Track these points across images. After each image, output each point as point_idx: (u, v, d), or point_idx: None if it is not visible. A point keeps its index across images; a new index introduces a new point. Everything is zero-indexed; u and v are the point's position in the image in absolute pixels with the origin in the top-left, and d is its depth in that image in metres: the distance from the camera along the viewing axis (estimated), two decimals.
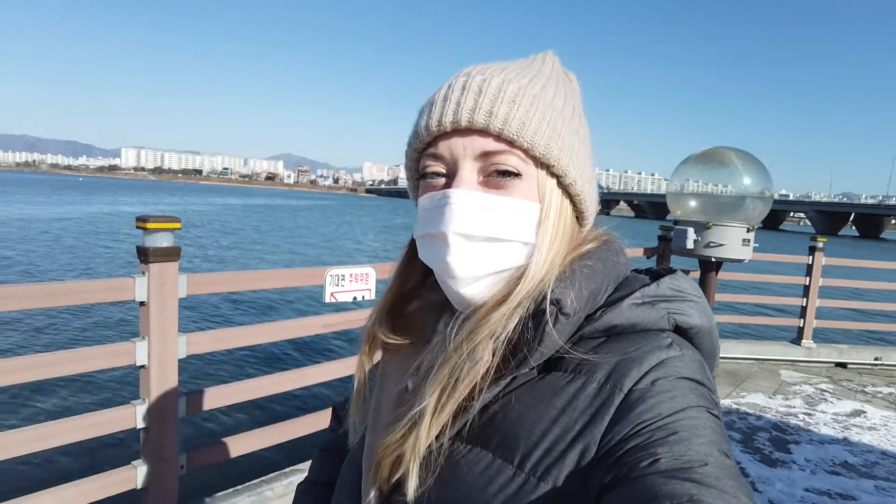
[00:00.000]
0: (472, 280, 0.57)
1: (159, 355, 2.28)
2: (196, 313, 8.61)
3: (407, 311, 0.68)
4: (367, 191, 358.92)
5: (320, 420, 3.04)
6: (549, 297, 0.54)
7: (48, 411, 4.97)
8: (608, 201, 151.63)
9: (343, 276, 3.03)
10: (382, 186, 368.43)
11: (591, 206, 0.63)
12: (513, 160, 0.56)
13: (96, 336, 7.43)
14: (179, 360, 2.36)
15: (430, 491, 0.55)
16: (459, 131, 0.57)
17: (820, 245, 6.45)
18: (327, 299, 2.95)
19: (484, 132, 0.56)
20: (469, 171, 0.57)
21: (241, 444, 2.69)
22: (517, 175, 0.57)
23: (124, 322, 8.14)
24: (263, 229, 28.87)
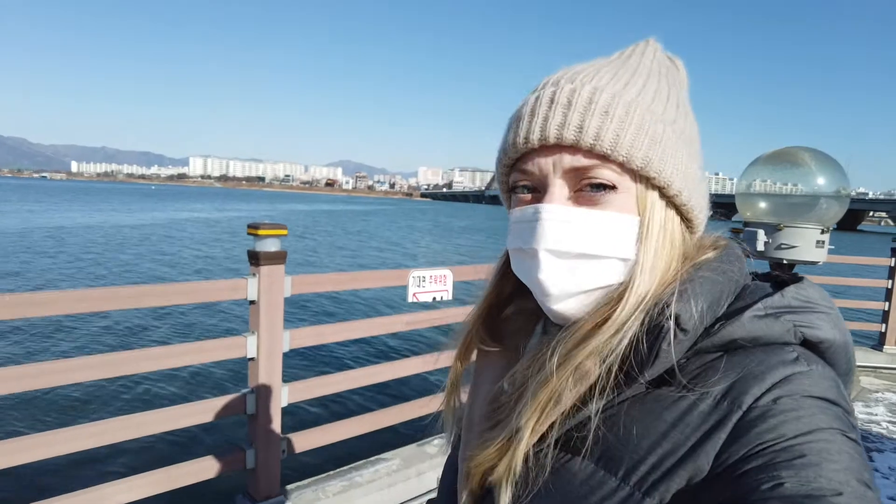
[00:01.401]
0: (564, 297, 0.55)
1: (267, 348, 2.54)
2: (297, 309, 9.29)
3: (502, 317, 0.68)
4: (423, 195, 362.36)
5: (403, 412, 3.25)
6: (667, 312, 0.51)
7: (170, 396, 5.57)
8: None
9: (424, 277, 3.23)
10: (437, 191, 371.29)
11: (701, 213, 0.58)
12: (607, 174, 0.53)
13: (201, 331, 8.19)
14: (284, 353, 2.61)
15: (526, 500, 0.54)
16: (548, 147, 0.54)
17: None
18: (410, 299, 3.16)
19: (574, 148, 0.53)
20: (559, 187, 0.55)
21: (333, 432, 2.92)
22: (612, 188, 0.53)
23: (226, 318, 8.90)
24: (335, 233, 30.31)
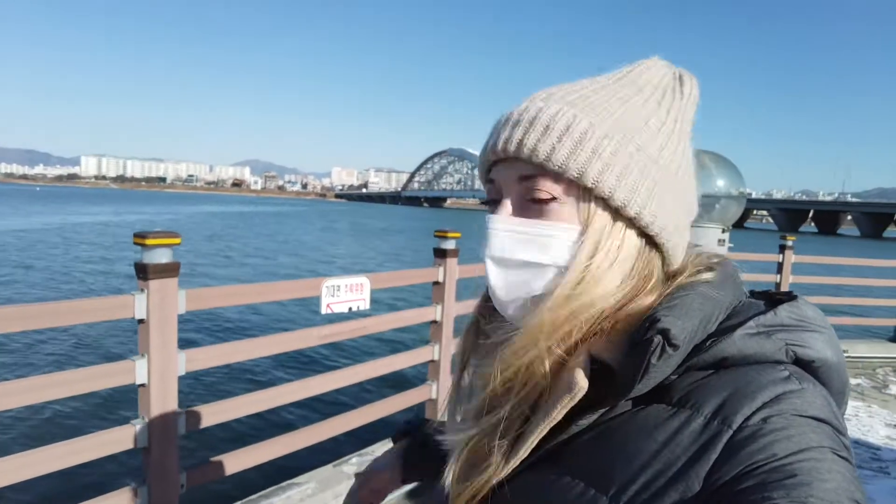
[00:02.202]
0: (510, 303, 0.58)
1: (159, 373, 2.25)
2: (194, 328, 8.48)
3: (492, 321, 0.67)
4: (337, 196, 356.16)
5: (318, 432, 3.03)
6: (656, 327, 0.50)
7: (47, 435, 4.81)
8: None
9: (339, 286, 3.03)
10: (352, 191, 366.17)
11: (665, 230, 0.56)
12: (546, 183, 0.55)
13: (90, 355, 7.23)
14: (179, 377, 2.33)
15: None
16: (502, 160, 0.58)
17: (790, 243, 6.68)
18: (324, 311, 2.95)
19: (518, 160, 0.56)
20: (511, 198, 0.58)
21: (240, 460, 2.66)
22: (553, 199, 0.55)
23: (117, 339, 7.98)
24: (244, 238, 28.45)
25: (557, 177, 0.54)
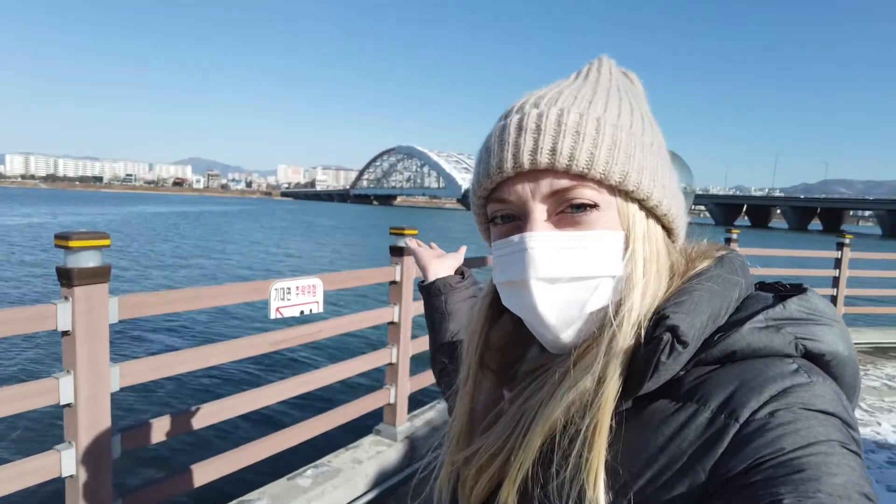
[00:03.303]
0: (563, 326, 0.54)
1: (88, 390, 2.01)
2: (129, 339, 7.81)
3: (494, 346, 0.66)
4: (283, 194, 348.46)
5: (271, 445, 2.83)
6: (665, 324, 0.49)
7: None
8: None
9: (289, 289, 2.84)
10: (299, 189, 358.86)
11: (680, 220, 0.58)
12: (587, 193, 0.52)
13: (6, 374, 6.53)
14: (112, 394, 2.10)
15: None
16: (523, 174, 0.53)
17: (735, 236, 6.87)
18: (273, 315, 2.75)
19: (550, 171, 0.52)
20: (541, 213, 0.54)
21: (185, 480, 2.44)
22: (594, 206, 0.53)
23: (43, 354, 7.25)
24: (187, 239, 26.91)
25: (597, 184, 0.53)
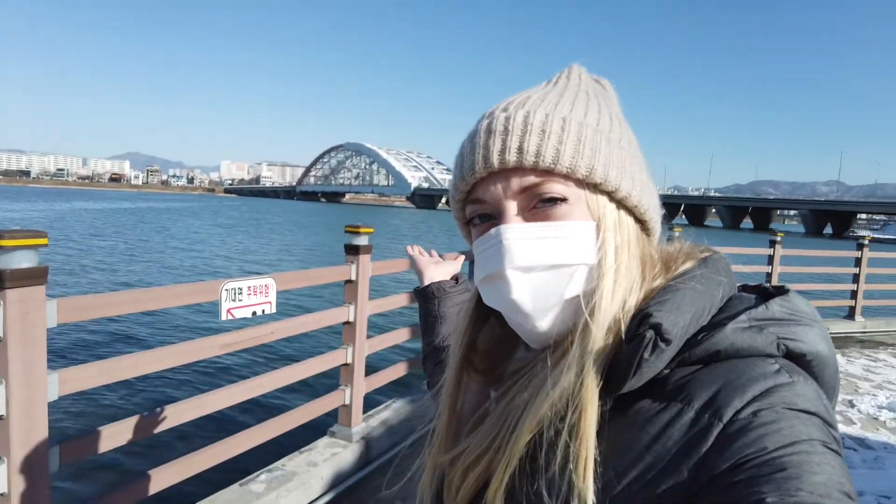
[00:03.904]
0: (541, 313, 0.55)
1: (22, 400, 1.88)
2: (71, 344, 7.34)
3: (481, 346, 0.67)
4: (227, 190, 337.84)
5: (222, 451, 2.73)
6: (649, 321, 0.50)
7: None
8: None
9: (240, 289, 2.74)
10: (244, 186, 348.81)
11: (652, 212, 0.60)
12: (555, 187, 0.54)
13: None
14: (49, 404, 1.96)
15: None
16: (495, 174, 0.56)
17: (677, 234, 7.12)
18: (224, 317, 2.65)
19: (519, 169, 0.55)
20: (513, 208, 0.56)
21: (132, 492, 2.32)
22: (563, 200, 0.55)
23: None
24: (130, 237, 25.45)
25: (565, 178, 0.55)
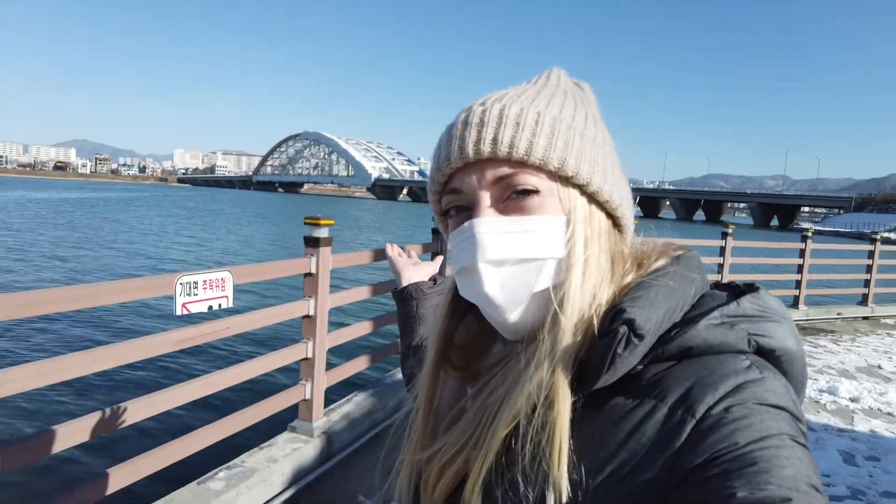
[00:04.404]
0: (512, 306, 0.56)
1: None
2: (10, 343, 6.96)
3: (458, 342, 0.67)
4: (180, 180, 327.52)
5: (178, 450, 2.65)
6: (622, 317, 0.51)
7: None
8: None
9: (195, 283, 2.65)
10: (198, 175, 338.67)
11: (625, 208, 0.61)
12: (527, 179, 0.56)
13: None
14: None
15: None
16: (470, 165, 0.57)
17: (634, 226, 7.28)
18: (179, 312, 2.56)
19: (493, 160, 0.56)
20: (487, 200, 0.57)
21: (78, 496, 2.22)
22: (535, 192, 0.56)
23: None
24: (76, 229, 24.16)
25: (537, 170, 0.56)
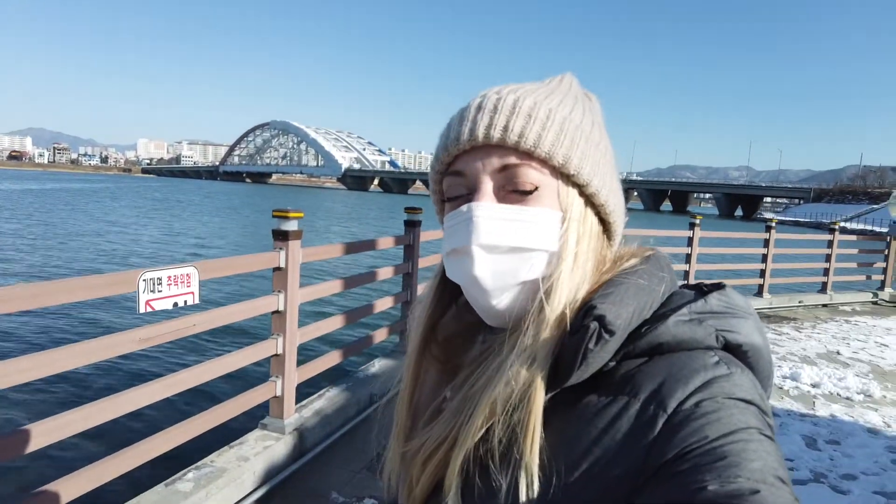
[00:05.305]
0: (499, 291, 0.57)
1: None
2: None
3: (442, 334, 0.68)
4: (145, 171, 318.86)
5: (143, 452, 2.57)
6: (593, 314, 0.53)
7: None
8: (405, 181, 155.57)
9: (160, 279, 2.57)
10: (163, 166, 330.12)
11: (617, 215, 0.63)
12: (531, 173, 0.57)
13: None
14: None
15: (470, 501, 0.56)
16: (477, 148, 0.58)
17: None
18: (142, 310, 2.47)
19: (501, 147, 0.57)
20: (489, 186, 0.58)
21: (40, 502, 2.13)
22: (536, 189, 0.58)
23: None
24: (32, 223, 23.22)
25: (542, 163, 0.57)
